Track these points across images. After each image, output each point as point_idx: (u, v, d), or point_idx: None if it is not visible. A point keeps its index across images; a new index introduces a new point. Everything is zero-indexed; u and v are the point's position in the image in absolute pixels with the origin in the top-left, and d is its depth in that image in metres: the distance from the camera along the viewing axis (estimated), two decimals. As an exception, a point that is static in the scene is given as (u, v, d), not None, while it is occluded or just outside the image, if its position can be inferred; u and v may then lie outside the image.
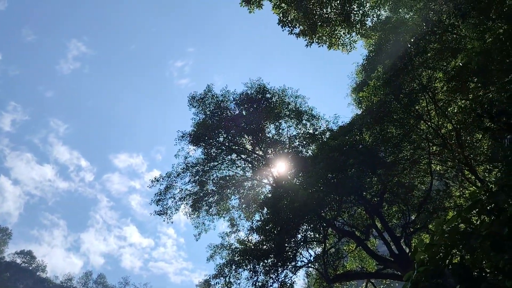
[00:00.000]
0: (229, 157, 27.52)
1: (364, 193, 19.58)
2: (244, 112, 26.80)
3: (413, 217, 19.61)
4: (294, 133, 27.03)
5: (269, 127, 27.30)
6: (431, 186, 18.83)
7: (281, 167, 24.27)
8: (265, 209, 22.64)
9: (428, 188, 19.13)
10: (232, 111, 27.40)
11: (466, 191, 16.35)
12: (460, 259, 3.26)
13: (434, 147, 19.35)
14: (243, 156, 27.42)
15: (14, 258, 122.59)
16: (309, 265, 21.46)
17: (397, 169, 18.98)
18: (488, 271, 3.09)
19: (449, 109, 18.27)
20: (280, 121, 26.72)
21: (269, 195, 23.26)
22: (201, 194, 26.27)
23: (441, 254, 3.01)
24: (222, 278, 21.66)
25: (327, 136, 23.89)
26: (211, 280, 22.26)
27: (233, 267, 21.60)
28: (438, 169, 20.31)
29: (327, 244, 20.97)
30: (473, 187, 16.91)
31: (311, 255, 22.03)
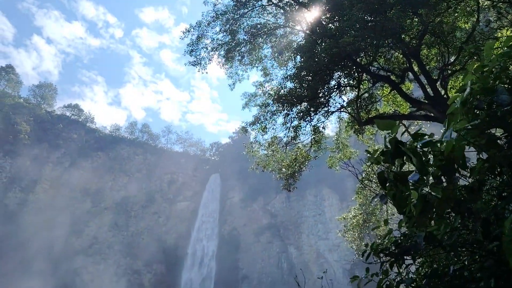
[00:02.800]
0: (259, 2, 25.87)
1: (403, 36, 18.66)
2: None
3: (452, 59, 18.89)
4: (330, -29, 24.45)
5: (302, -35, 24.70)
6: (477, 21, 17.48)
7: (315, 12, 22.84)
8: (299, 57, 22.38)
9: (472, 27, 17.86)
10: None
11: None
12: (509, 82, 3.26)
13: (487, -20, 17.36)
14: (274, 1, 25.72)
15: (63, 112, 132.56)
16: (342, 109, 22.07)
17: (441, 8, 17.51)
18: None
19: None
20: (314, -44, 23.93)
21: (303, 42, 22.62)
22: (233, 44, 25.75)
23: (491, 76, 2.97)
24: (258, 124, 22.93)
25: (367, -27, 21.65)
26: (247, 127, 23.61)
27: (269, 114, 22.61)
28: (485, 5, 18.55)
29: (361, 89, 21.11)
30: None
31: (343, 101, 22.49)
